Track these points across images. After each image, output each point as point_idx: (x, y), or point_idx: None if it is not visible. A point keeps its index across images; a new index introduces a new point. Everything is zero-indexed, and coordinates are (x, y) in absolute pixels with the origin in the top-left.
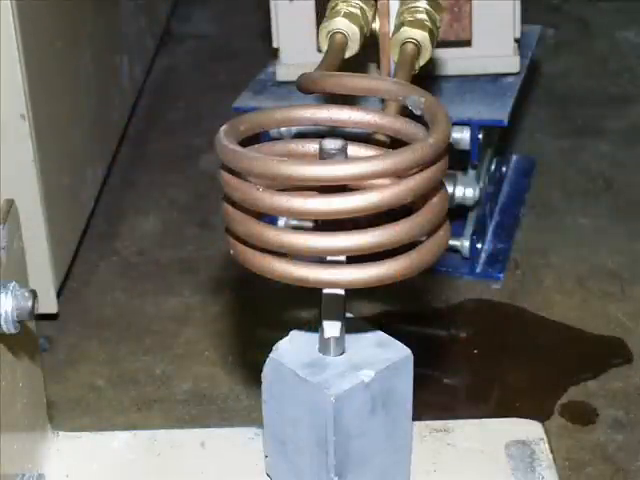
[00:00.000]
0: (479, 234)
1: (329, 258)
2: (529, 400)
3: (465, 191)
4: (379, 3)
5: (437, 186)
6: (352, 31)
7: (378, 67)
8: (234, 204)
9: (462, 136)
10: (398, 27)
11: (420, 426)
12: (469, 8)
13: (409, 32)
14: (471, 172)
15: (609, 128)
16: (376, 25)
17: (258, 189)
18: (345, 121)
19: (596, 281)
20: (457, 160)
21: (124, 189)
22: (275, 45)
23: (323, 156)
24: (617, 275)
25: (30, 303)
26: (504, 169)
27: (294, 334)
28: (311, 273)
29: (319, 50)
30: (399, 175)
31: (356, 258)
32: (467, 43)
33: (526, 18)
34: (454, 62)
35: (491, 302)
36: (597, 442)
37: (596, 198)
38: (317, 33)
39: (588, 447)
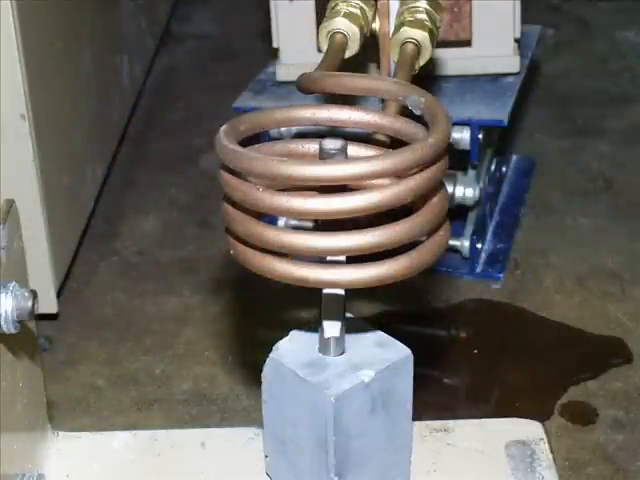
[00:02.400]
0: (479, 234)
1: (329, 258)
2: (529, 400)
3: (465, 191)
4: (379, 3)
5: (437, 186)
6: (352, 31)
7: (378, 67)
8: (234, 204)
9: (462, 136)
10: (398, 27)
11: (420, 426)
12: (469, 8)
13: (409, 32)
14: (471, 172)
15: (609, 128)
16: (376, 25)
17: (258, 189)
18: (345, 121)
19: (596, 281)
20: (457, 160)
21: (124, 189)
22: (275, 45)
23: (323, 156)
24: (617, 275)
25: (30, 303)
26: (504, 169)
27: (294, 334)
28: (311, 273)
29: (319, 50)
30: (399, 175)
31: (356, 258)
32: (467, 43)
33: (526, 18)
34: (454, 62)
35: (491, 302)
36: (597, 442)
37: (596, 198)
38: (317, 33)
39: (588, 447)
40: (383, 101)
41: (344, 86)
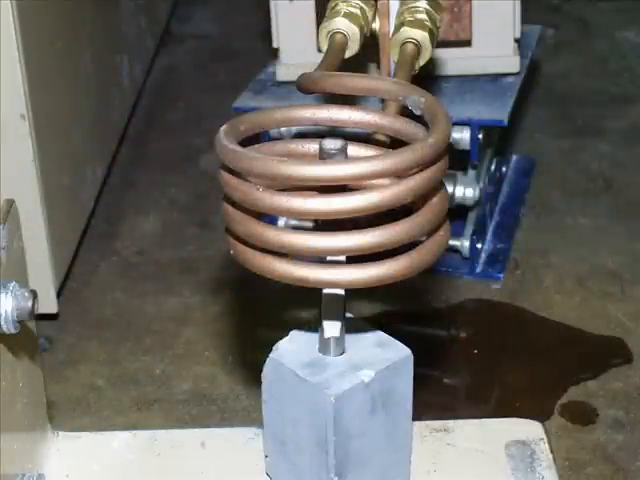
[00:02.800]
0: (479, 234)
1: (329, 258)
2: (529, 400)
3: (465, 191)
4: (379, 3)
5: (437, 186)
6: (352, 31)
7: (378, 67)
8: (234, 204)
9: (462, 136)
10: (398, 27)
11: (420, 426)
12: (469, 8)
13: (409, 32)
14: (471, 172)
15: (609, 128)
16: (376, 25)
17: (258, 189)
18: (345, 121)
19: (596, 281)
20: (457, 160)
21: (124, 189)
22: (275, 45)
23: (323, 156)
24: (617, 275)
25: (30, 303)
26: (504, 169)
27: (294, 334)
28: (311, 273)
29: (319, 50)
30: (399, 175)
31: (356, 258)
32: (467, 43)
33: (526, 18)
34: (454, 62)
35: (491, 302)
36: (597, 442)
37: (596, 198)
38: (317, 33)
39: (588, 447)
40: (383, 101)
41: (344, 86)
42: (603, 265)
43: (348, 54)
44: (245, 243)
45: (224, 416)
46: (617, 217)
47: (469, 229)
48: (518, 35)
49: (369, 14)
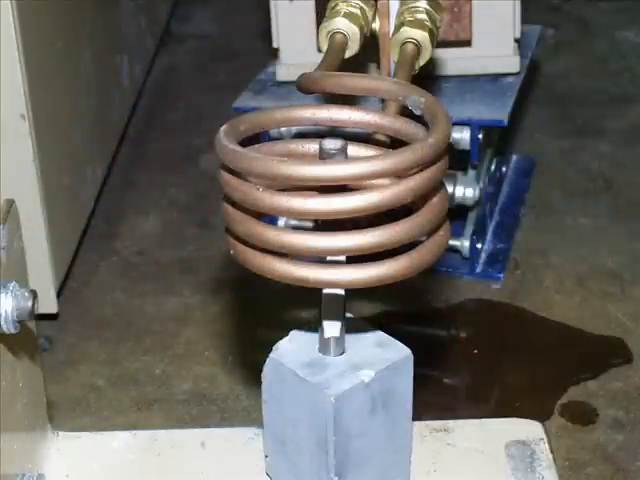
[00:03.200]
0: (479, 234)
1: (329, 258)
2: (529, 400)
3: (465, 191)
4: (379, 3)
5: (437, 186)
6: (352, 31)
7: (378, 67)
8: (234, 204)
9: (462, 136)
10: (398, 27)
11: (420, 426)
12: (469, 8)
13: (409, 32)
14: (471, 172)
15: (609, 128)
16: (376, 25)
17: (258, 189)
18: (345, 121)
19: (596, 281)
20: (457, 160)
21: (124, 189)
22: (275, 45)
23: (323, 156)
24: (617, 275)
25: (30, 303)
26: (504, 169)
27: (294, 334)
28: (311, 273)
29: (319, 50)
30: (399, 175)
31: (356, 258)
32: (467, 43)
33: (526, 18)
34: (454, 62)
35: (491, 302)
36: (597, 442)
37: (596, 198)
38: (317, 33)
39: (588, 447)
40: (383, 101)
41: (344, 86)
42: (603, 265)
43: (348, 54)
44: (245, 243)
45: (224, 416)
46: (617, 217)
47: (469, 229)
48: (518, 35)
49: (369, 14)
